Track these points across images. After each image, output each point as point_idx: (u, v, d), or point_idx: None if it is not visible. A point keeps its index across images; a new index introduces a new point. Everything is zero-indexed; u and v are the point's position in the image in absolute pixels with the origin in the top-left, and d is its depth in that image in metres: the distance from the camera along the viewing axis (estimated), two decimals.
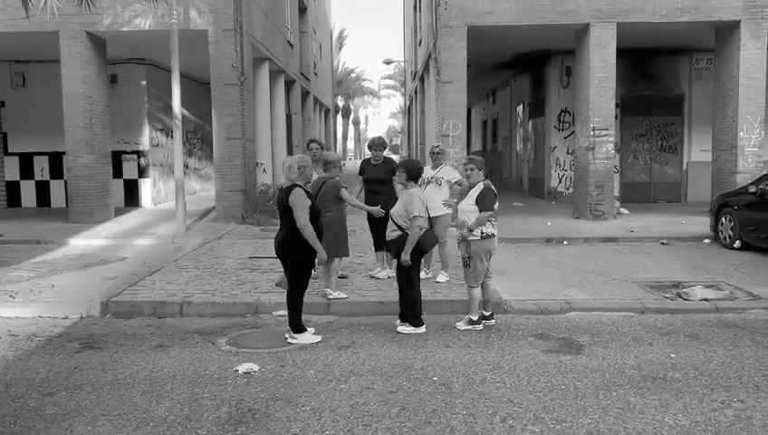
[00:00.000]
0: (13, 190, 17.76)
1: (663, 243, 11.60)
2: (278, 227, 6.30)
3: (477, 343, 6.11)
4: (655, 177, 18.36)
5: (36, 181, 17.74)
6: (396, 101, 69.51)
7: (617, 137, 16.49)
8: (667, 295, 7.76)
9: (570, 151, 18.00)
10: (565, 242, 11.79)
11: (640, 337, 6.27)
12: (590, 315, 7.10)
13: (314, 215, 6.11)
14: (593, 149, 14.09)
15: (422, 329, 6.47)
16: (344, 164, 8.56)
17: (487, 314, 6.78)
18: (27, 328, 6.67)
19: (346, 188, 7.44)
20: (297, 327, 6.15)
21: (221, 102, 13.90)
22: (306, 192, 6.06)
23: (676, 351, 5.83)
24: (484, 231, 6.44)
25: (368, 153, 8.94)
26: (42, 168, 17.68)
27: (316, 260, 6.43)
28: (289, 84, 22.35)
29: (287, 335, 6.16)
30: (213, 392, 4.81)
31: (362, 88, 62.15)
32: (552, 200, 18.35)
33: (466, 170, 6.68)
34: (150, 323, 6.92)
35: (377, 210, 7.57)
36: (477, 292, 6.61)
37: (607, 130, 14.05)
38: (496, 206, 6.55)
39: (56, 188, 17.64)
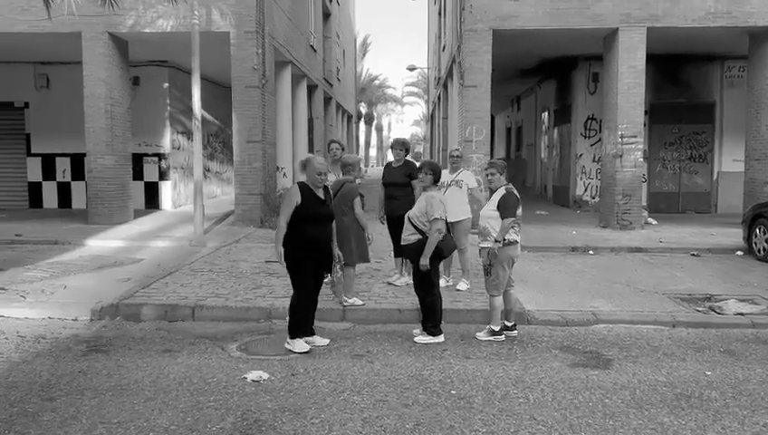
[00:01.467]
0: (35, 191, 17.81)
1: (693, 254, 11.17)
2: None
3: (499, 354, 5.81)
4: (684, 186, 17.86)
5: (58, 182, 17.77)
6: (419, 109, 69.25)
7: (645, 145, 16.08)
8: (699, 309, 7.38)
9: (596, 159, 17.60)
10: (591, 252, 11.42)
11: (672, 352, 5.92)
12: (617, 328, 6.75)
13: (323, 218, 5.88)
14: (621, 156, 13.70)
15: (440, 338, 6.19)
16: (365, 171, 8.28)
17: (509, 324, 6.48)
18: (36, 329, 6.51)
19: (362, 197, 7.16)
20: (292, 332, 5.89)
21: (242, 105, 13.77)
22: (307, 189, 5.83)
23: (711, 368, 5.47)
24: (506, 238, 6.15)
25: (390, 157, 8.67)
26: (64, 169, 17.71)
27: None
28: (311, 89, 22.24)
29: (287, 343, 5.90)
30: (218, 401, 4.57)
31: (385, 95, 61.97)
32: (577, 209, 17.94)
33: (488, 175, 6.40)
34: (161, 326, 6.73)
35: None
36: (499, 301, 6.31)
37: (635, 137, 13.65)
38: (519, 211, 6.26)
39: (77, 189, 17.65)
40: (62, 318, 6.96)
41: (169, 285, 8.11)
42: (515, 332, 6.47)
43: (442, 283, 8.04)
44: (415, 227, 6.21)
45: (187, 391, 4.77)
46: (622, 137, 13.68)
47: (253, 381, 4.97)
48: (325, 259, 6.01)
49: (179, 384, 4.90)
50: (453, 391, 4.81)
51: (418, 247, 6.13)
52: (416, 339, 6.19)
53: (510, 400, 4.67)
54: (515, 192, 6.28)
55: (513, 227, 6.18)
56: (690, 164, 17.84)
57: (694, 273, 9.53)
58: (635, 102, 13.60)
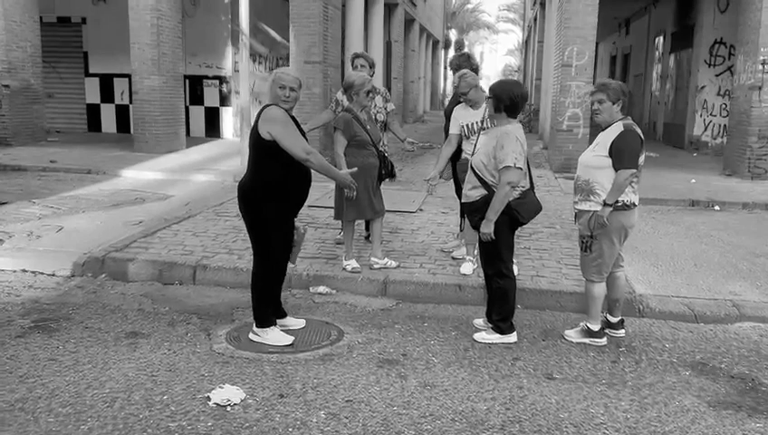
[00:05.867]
0: (93, 113, 16.81)
1: None
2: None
3: (597, 374, 3.89)
4: None
5: (116, 105, 16.67)
6: (514, 38, 64.66)
7: None
8: None
9: (722, 93, 14.69)
10: (717, 207, 9.06)
11: None
12: None
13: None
14: (760, 88, 10.96)
15: (512, 337, 4.33)
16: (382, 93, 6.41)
17: (614, 320, 4.52)
18: None
19: (342, 132, 5.48)
20: (261, 319, 4.21)
21: (299, 19, 11.92)
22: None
23: None
24: (620, 199, 4.13)
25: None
26: (122, 91, 16.52)
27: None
28: (390, 8, 20.01)
29: (253, 332, 4.23)
30: None
31: (478, 21, 57.97)
32: (693, 151, 15.18)
33: (593, 104, 4.30)
34: (149, 291, 5.21)
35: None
36: (600, 289, 4.34)
37: None
38: (642, 159, 4.19)
39: None
40: (36, 272, 5.57)
41: (179, 233, 6.58)
42: (622, 331, 4.51)
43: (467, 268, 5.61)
44: (480, 179, 4.28)
45: (111, 423, 3.14)
46: (764, 63, 10.90)
47: (217, 405, 3.31)
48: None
49: (109, 406, 3.29)
50: None
51: (483, 207, 4.22)
52: (476, 336, 4.36)
53: None
54: (638, 130, 4.19)
55: (630, 184, 4.14)
56: None
57: None
58: None
